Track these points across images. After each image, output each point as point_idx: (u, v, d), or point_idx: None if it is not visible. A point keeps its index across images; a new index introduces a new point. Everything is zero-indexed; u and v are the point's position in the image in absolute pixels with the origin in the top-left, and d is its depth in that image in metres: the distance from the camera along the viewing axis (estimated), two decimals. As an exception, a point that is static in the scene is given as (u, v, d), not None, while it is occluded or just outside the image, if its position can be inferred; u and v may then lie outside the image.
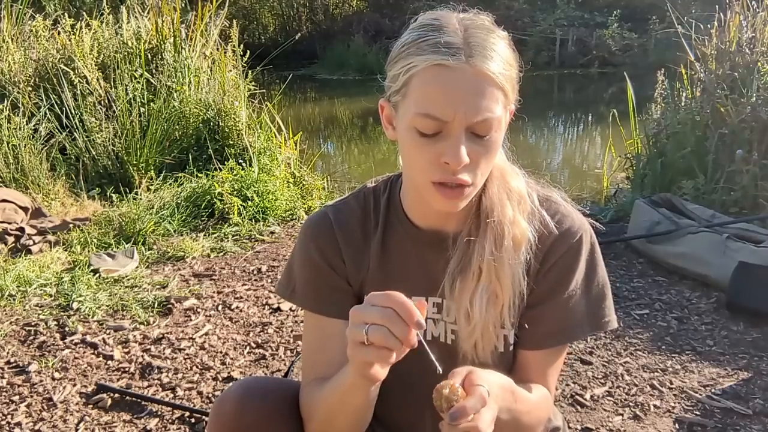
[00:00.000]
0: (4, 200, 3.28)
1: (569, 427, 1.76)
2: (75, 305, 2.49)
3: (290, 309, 2.51)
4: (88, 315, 2.43)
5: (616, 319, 0.98)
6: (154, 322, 2.41)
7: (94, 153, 3.95)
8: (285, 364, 2.12)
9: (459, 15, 0.87)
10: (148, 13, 4.77)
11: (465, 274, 0.92)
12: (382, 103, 0.92)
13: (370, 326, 0.72)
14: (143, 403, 1.89)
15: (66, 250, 3.04)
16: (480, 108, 0.81)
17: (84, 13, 4.99)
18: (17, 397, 1.92)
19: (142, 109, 4.09)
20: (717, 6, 3.76)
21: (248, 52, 4.56)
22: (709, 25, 3.77)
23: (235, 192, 3.59)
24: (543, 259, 0.94)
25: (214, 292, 2.68)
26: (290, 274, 1.04)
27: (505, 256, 0.91)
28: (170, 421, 1.81)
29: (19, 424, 1.79)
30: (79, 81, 4.05)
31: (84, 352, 2.18)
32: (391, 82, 0.88)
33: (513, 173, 0.97)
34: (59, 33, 4.61)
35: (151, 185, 3.88)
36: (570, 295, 0.94)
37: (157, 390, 1.97)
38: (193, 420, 1.82)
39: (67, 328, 2.33)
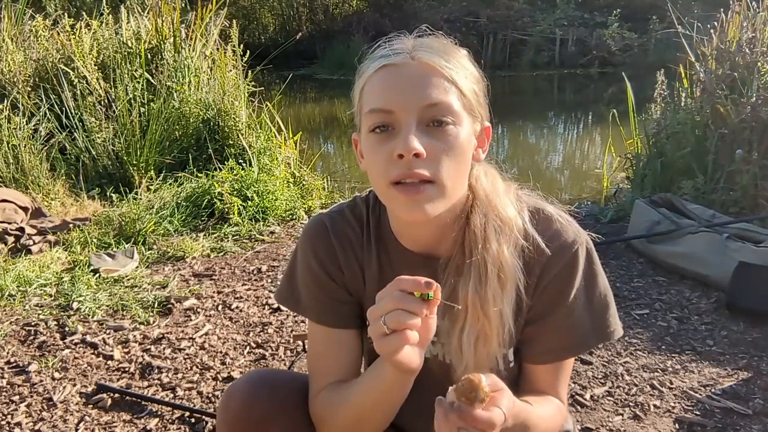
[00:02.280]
0: (4, 200, 3.28)
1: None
2: (75, 305, 2.49)
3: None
4: (88, 315, 2.43)
5: (621, 326, 0.97)
6: (154, 322, 2.41)
7: (94, 153, 3.95)
8: (285, 364, 2.12)
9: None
10: (147, 13, 4.77)
11: (452, 310, 0.90)
12: (353, 137, 0.93)
13: (386, 316, 0.73)
14: (143, 403, 1.89)
15: (66, 250, 3.04)
16: (426, 94, 0.81)
17: (84, 13, 4.99)
18: (17, 397, 1.92)
19: (142, 109, 4.10)
20: (721, 9, 3.75)
21: (248, 52, 4.56)
22: (709, 25, 3.77)
23: (235, 192, 3.59)
24: (539, 278, 0.92)
25: (214, 292, 2.68)
26: (292, 284, 1.03)
27: (490, 294, 0.88)
28: (170, 421, 1.81)
29: (19, 424, 1.79)
30: (78, 81, 4.05)
31: (84, 352, 2.18)
32: (354, 109, 0.90)
33: (503, 199, 0.93)
34: (59, 33, 4.61)
35: (151, 185, 3.88)
36: (570, 309, 0.92)
37: (157, 390, 1.97)
38: (193, 420, 1.82)
39: (67, 328, 2.33)
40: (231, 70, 4.53)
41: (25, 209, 3.34)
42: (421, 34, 0.89)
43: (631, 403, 1.89)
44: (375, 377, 0.87)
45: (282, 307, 2.52)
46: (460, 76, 0.84)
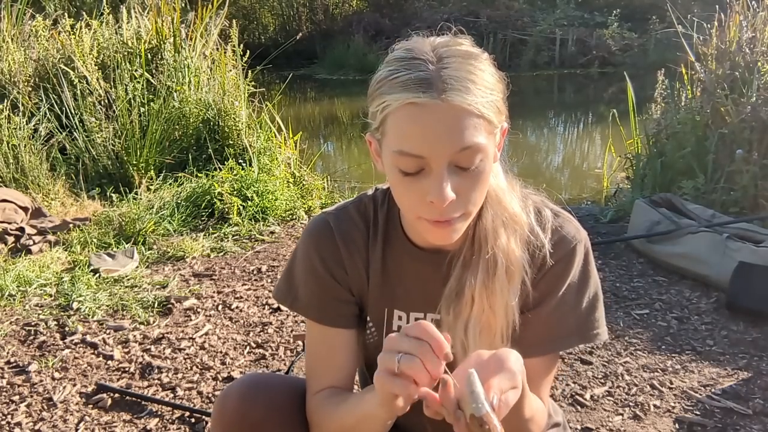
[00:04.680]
0: (4, 200, 3.28)
1: (569, 427, 1.75)
2: (75, 305, 2.49)
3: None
4: (88, 315, 2.43)
5: (607, 331, 0.97)
6: (154, 322, 2.41)
7: (94, 153, 3.95)
8: (285, 364, 2.12)
9: (434, 41, 0.84)
10: (147, 13, 4.77)
11: (459, 302, 0.91)
12: (368, 138, 0.91)
13: (402, 355, 0.70)
14: (143, 403, 1.89)
15: (66, 250, 3.04)
16: (458, 141, 0.78)
17: (84, 13, 4.99)
18: (17, 397, 1.92)
19: (142, 109, 4.10)
20: (717, 6, 3.76)
21: (248, 52, 4.56)
22: (709, 25, 3.77)
23: (235, 192, 3.59)
24: (536, 272, 0.93)
25: (214, 292, 2.68)
26: (291, 282, 1.03)
27: (498, 287, 0.89)
28: (170, 421, 1.81)
29: (19, 424, 1.79)
30: (79, 81, 4.05)
31: (84, 352, 2.18)
32: (371, 118, 0.87)
33: (510, 195, 0.94)
34: (59, 33, 4.62)
35: (151, 185, 3.88)
36: (559, 303, 0.93)
37: (157, 390, 1.97)
38: (193, 420, 1.82)
39: (67, 328, 2.33)
40: (231, 70, 4.53)
41: (25, 209, 3.34)
42: (441, 35, 0.86)
43: (631, 403, 1.89)
44: (357, 403, 0.87)
45: (282, 307, 2.52)
46: (485, 105, 0.80)
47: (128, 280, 2.76)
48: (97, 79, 4.14)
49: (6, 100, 3.94)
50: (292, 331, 2.34)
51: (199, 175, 3.85)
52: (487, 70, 0.83)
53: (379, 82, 0.84)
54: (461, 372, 0.70)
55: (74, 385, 1.99)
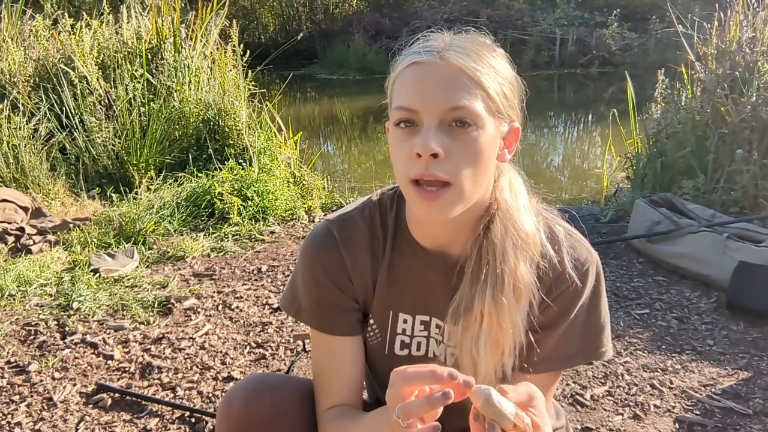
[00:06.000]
0: (4, 200, 3.28)
1: (569, 427, 1.75)
2: (75, 305, 2.49)
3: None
4: (88, 315, 2.43)
5: (612, 348, 0.98)
6: (154, 321, 2.41)
7: (94, 153, 3.95)
8: (285, 364, 2.12)
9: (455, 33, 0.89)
10: (148, 13, 4.77)
11: (467, 316, 0.90)
12: (387, 125, 0.92)
13: (400, 408, 0.69)
14: (143, 402, 1.89)
15: (66, 250, 3.04)
16: (451, 98, 0.81)
17: (84, 12, 4.99)
18: (17, 397, 1.92)
19: (142, 109, 4.10)
20: (717, 5, 3.76)
21: (248, 51, 4.56)
22: (709, 25, 3.77)
23: (235, 192, 3.59)
24: (546, 292, 0.92)
25: (214, 292, 2.68)
26: (294, 291, 1.02)
27: (506, 305, 0.89)
28: (170, 420, 1.81)
29: (19, 424, 1.79)
30: (79, 81, 4.05)
31: (84, 352, 2.18)
32: (387, 99, 0.90)
33: (524, 214, 0.92)
34: (59, 33, 4.62)
35: (151, 185, 3.88)
36: (570, 326, 0.93)
37: (157, 390, 1.97)
38: (193, 420, 1.82)
39: (67, 328, 2.33)
40: (231, 70, 4.53)
41: (25, 209, 3.34)
42: (459, 31, 0.89)
43: (631, 403, 1.89)
44: (373, 424, 0.88)
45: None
46: (487, 78, 0.83)
47: (128, 280, 2.76)
48: (97, 79, 4.14)
49: (6, 100, 3.94)
50: (292, 331, 2.34)
51: (199, 175, 3.85)
52: (498, 58, 0.87)
53: (394, 61, 0.89)
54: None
55: (74, 384, 1.99)
